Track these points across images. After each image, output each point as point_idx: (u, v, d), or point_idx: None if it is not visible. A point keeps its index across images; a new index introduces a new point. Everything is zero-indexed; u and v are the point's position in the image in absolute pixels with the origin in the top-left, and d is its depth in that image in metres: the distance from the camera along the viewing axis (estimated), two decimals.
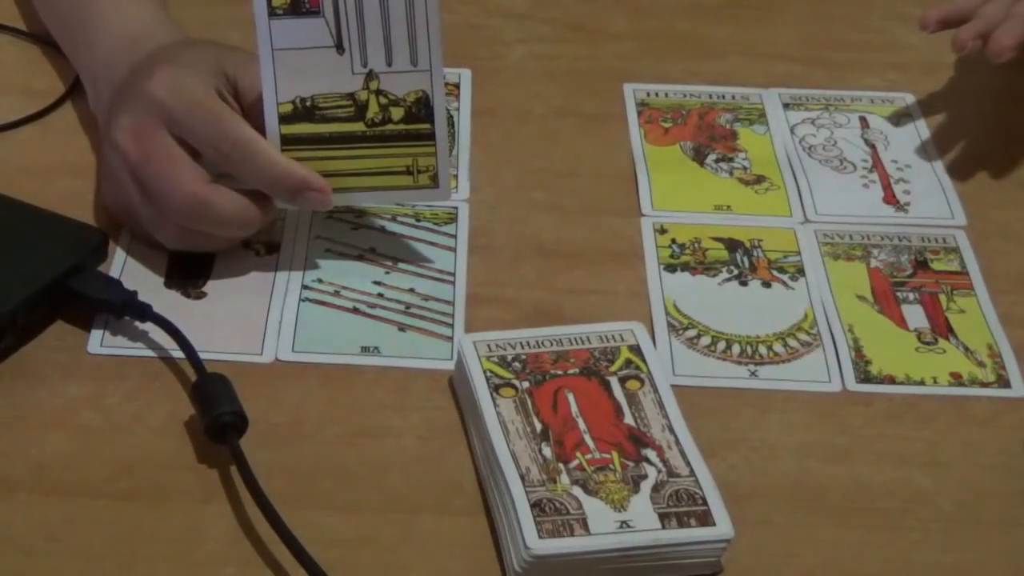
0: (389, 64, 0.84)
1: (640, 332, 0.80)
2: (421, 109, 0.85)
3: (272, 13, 0.83)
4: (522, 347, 0.79)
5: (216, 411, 0.75)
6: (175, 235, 0.83)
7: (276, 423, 0.78)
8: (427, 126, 0.85)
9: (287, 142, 0.83)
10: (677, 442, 0.75)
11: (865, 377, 0.83)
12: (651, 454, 0.74)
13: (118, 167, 0.83)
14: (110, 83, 0.87)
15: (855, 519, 0.76)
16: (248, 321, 0.83)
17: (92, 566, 0.71)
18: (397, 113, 0.85)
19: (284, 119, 0.83)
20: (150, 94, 0.82)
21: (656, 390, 0.77)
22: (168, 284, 0.85)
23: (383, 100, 0.85)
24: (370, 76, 0.84)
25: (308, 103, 0.84)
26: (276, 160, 0.82)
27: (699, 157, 0.96)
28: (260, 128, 0.83)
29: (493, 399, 0.76)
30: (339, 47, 0.84)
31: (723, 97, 1.01)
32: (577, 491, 0.72)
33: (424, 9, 0.84)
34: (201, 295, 0.84)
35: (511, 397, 0.76)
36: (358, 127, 0.84)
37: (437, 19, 0.84)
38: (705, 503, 0.72)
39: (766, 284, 0.88)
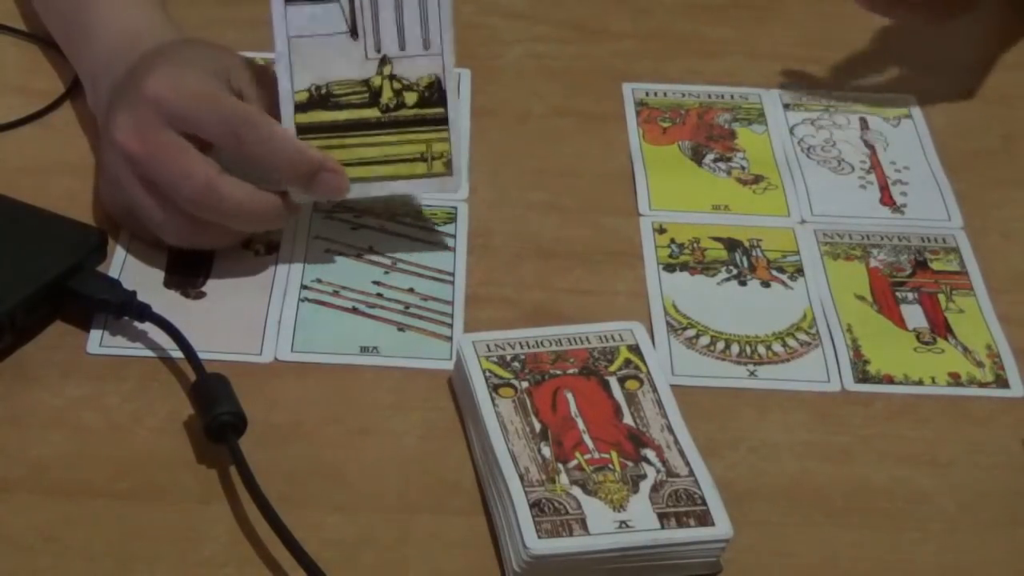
0: (402, 48, 0.85)
1: (639, 332, 0.80)
2: (434, 93, 0.85)
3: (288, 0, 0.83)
4: (521, 347, 0.79)
5: (215, 411, 0.75)
6: (179, 231, 0.83)
7: (275, 423, 0.78)
8: (440, 110, 0.85)
9: (301, 131, 0.84)
10: (676, 442, 0.75)
11: (864, 377, 0.83)
12: (650, 454, 0.74)
13: (119, 165, 0.83)
14: (109, 82, 0.87)
15: (854, 519, 0.76)
16: (247, 321, 0.83)
17: (91, 566, 0.71)
18: (411, 98, 0.85)
19: (299, 107, 0.84)
20: (150, 92, 0.82)
21: (655, 390, 0.77)
22: (167, 284, 0.85)
23: (396, 85, 0.85)
24: (384, 61, 0.85)
25: (323, 91, 0.84)
26: (292, 140, 0.83)
27: (697, 157, 0.96)
28: None
29: (492, 399, 0.76)
30: (353, 32, 0.84)
31: (722, 97, 1.01)
32: (576, 491, 0.72)
33: None
34: (200, 295, 0.84)
35: (510, 397, 0.77)
36: (372, 113, 0.85)
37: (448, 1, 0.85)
38: (704, 503, 0.72)
39: (765, 284, 0.88)
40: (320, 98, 0.84)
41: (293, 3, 0.83)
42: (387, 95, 0.85)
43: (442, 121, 0.85)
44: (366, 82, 0.85)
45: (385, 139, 0.85)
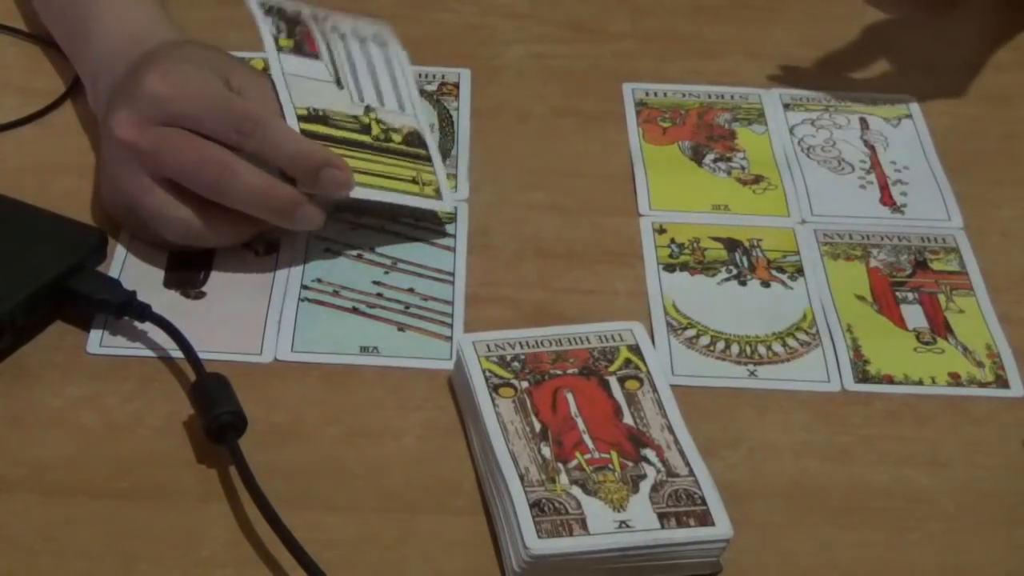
0: (382, 104, 0.89)
1: (639, 332, 0.80)
2: (415, 139, 0.89)
3: (279, 49, 0.87)
4: (521, 347, 0.79)
5: (215, 411, 0.75)
6: (185, 226, 0.83)
7: (275, 423, 0.78)
8: (423, 151, 0.89)
9: (307, 136, 0.85)
10: (676, 442, 0.75)
11: (864, 377, 0.83)
12: (650, 454, 0.74)
13: (123, 162, 0.83)
14: (109, 82, 0.87)
15: (854, 519, 0.76)
16: (247, 321, 0.83)
17: (92, 566, 0.71)
18: (396, 137, 0.88)
19: (301, 118, 0.85)
20: (151, 90, 0.82)
21: (655, 390, 0.77)
22: (167, 284, 0.85)
23: (383, 126, 0.88)
24: (368, 109, 0.88)
25: (320, 113, 0.86)
26: (297, 136, 0.83)
27: (697, 157, 0.96)
28: None
29: (492, 399, 0.76)
30: (338, 83, 0.88)
31: (722, 97, 1.01)
32: (576, 491, 0.72)
33: (401, 70, 0.92)
34: (200, 295, 0.84)
35: (510, 397, 0.77)
36: (365, 139, 0.87)
37: (408, 70, 0.92)
38: (704, 503, 0.72)
39: (765, 284, 0.88)
40: (318, 116, 0.86)
41: (283, 52, 0.87)
42: (376, 131, 0.88)
43: (427, 159, 0.89)
44: (356, 118, 0.87)
45: (380, 158, 0.86)
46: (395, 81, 0.91)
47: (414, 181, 0.88)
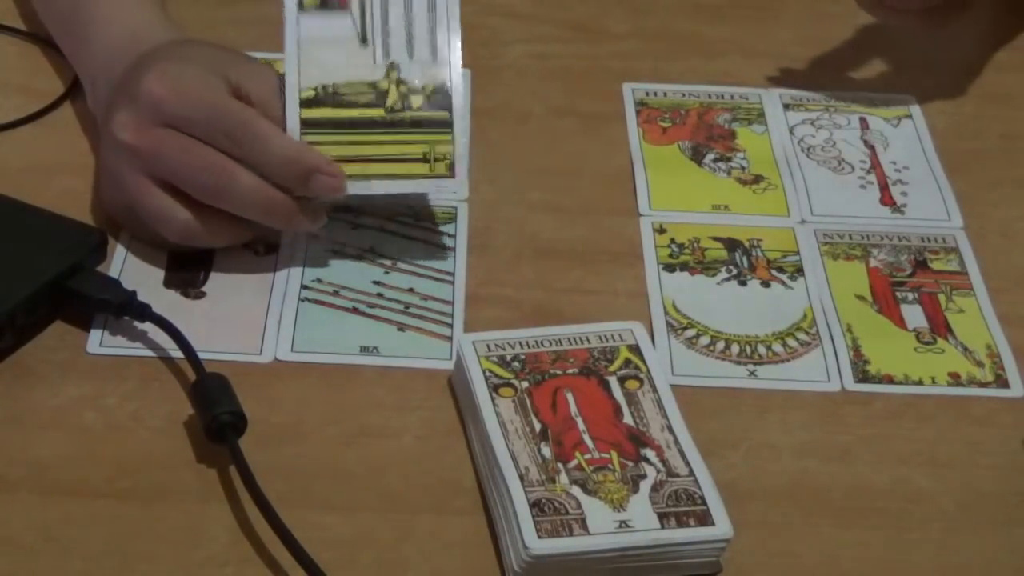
0: (411, 56, 0.86)
1: (639, 332, 0.80)
2: (440, 98, 0.86)
3: (301, 7, 0.85)
4: (521, 347, 0.79)
5: (215, 411, 0.75)
6: (183, 226, 0.83)
7: (275, 423, 0.78)
8: (445, 114, 0.86)
9: (307, 125, 0.84)
10: (676, 442, 0.75)
11: (864, 377, 0.83)
12: (650, 454, 0.74)
13: (123, 163, 0.83)
14: (109, 82, 0.87)
15: (854, 519, 0.76)
16: (247, 321, 0.83)
17: (91, 566, 0.71)
18: (416, 101, 0.86)
19: (304, 103, 0.84)
20: (147, 91, 0.82)
21: (655, 390, 0.77)
22: (167, 284, 0.85)
23: (403, 89, 0.86)
24: (391, 67, 0.86)
25: (329, 89, 0.85)
26: (285, 143, 0.83)
27: (697, 157, 0.96)
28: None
29: (492, 399, 0.76)
30: (363, 39, 0.86)
31: (722, 97, 1.01)
32: (576, 491, 0.72)
33: (445, 7, 0.87)
34: (200, 295, 0.84)
35: (510, 397, 0.77)
36: (378, 113, 0.85)
37: (457, 12, 0.87)
38: (704, 503, 0.72)
39: (765, 284, 0.88)
40: (326, 96, 0.84)
41: (305, 11, 0.85)
42: (393, 97, 0.86)
43: (446, 124, 0.86)
44: (373, 84, 0.85)
45: (388, 138, 0.85)
46: (434, 24, 0.88)
47: (424, 158, 0.86)
